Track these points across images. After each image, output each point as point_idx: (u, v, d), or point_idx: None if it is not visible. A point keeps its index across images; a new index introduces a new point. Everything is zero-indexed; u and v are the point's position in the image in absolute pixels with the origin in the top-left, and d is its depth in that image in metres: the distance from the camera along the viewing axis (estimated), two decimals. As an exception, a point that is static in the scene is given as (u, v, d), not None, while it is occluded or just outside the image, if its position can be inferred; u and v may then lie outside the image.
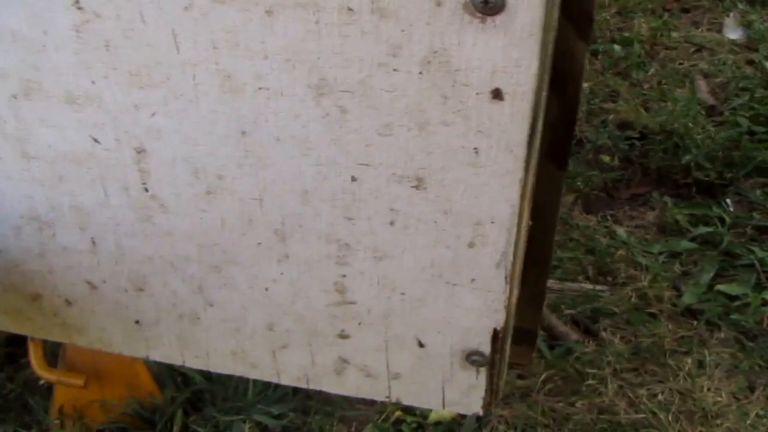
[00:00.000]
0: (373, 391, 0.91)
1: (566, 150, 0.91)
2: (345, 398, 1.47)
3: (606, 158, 2.09)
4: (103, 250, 0.85)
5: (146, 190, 0.79)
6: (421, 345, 0.85)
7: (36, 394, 1.53)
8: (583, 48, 0.83)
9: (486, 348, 0.83)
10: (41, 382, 1.51)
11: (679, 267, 1.92)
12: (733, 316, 1.79)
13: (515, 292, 0.82)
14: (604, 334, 1.79)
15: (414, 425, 1.54)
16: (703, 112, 2.20)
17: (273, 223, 0.79)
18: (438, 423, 1.54)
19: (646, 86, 2.28)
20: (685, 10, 2.56)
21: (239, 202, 0.78)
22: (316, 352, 0.88)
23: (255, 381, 1.49)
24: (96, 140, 0.76)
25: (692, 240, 1.97)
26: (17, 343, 1.57)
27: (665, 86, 2.28)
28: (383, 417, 1.54)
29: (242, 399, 1.52)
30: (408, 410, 1.53)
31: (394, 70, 0.66)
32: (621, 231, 2.00)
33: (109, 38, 0.69)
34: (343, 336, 0.86)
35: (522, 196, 0.73)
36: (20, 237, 0.87)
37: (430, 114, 0.68)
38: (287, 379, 0.92)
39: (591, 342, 1.78)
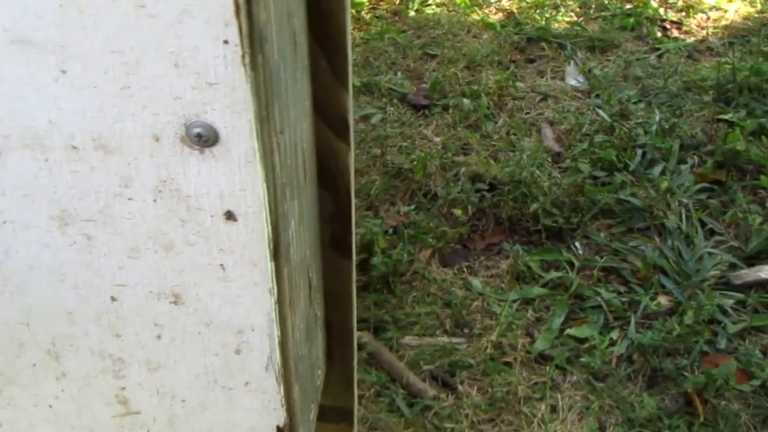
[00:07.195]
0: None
1: (348, 240, 0.95)
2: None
3: (458, 211, 2.16)
4: None
5: None
6: (213, 446, 0.87)
7: None
8: (345, 148, 0.88)
9: (273, 445, 0.85)
10: None
11: (533, 313, 1.99)
12: (583, 359, 1.86)
13: (295, 388, 0.84)
14: (461, 387, 1.83)
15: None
16: (549, 160, 2.30)
17: (44, 344, 0.79)
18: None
19: (495, 137, 2.37)
20: (530, 61, 2.67)
21: (6, 327, 0.78)
22: (112, 462, 0.89)
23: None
24: None
25: (544, 285, 2.04)
26: None
27: (513, 136, 2.37)
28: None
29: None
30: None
31: (129, 199, 0.68)
32: (476, 282, 2.05)
33: None
34: (137, 444, 0.87)
35: (280, 302, 0.75)
36: None
37: (173, 236, 0.70)
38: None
39: (449, 396, 1.82)
